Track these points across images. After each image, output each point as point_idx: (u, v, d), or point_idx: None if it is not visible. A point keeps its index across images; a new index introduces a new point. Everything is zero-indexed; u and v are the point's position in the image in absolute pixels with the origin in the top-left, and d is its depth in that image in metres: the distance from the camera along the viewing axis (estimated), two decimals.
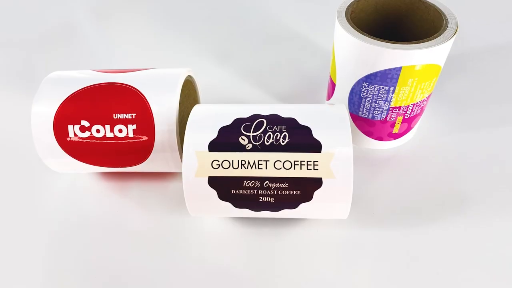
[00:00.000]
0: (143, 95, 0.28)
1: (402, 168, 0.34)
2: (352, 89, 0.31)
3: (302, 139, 0.25)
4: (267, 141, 0.25)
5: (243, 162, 0.25)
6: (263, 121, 0.26)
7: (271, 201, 0.25)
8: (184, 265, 0.28)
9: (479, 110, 0.38)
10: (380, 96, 0.30)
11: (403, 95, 0.30)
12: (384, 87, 0.30)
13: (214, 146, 0.25)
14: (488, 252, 0.28)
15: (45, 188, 0.33)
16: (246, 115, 0.26)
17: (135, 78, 0.29)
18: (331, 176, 0.24)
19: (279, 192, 0.25)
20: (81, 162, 0.30)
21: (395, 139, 0.34)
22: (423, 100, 0.32)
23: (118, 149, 0.28)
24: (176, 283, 0.27)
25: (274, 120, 0.26)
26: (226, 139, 0.25)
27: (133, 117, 0.28)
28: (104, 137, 0.28)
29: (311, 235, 0.29)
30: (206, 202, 0.26)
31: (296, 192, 0.25)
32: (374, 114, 0.32)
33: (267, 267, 0.28)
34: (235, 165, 0.25)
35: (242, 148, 0.25)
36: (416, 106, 0.32)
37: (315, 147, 0.24)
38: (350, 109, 0.33)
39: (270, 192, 0.25)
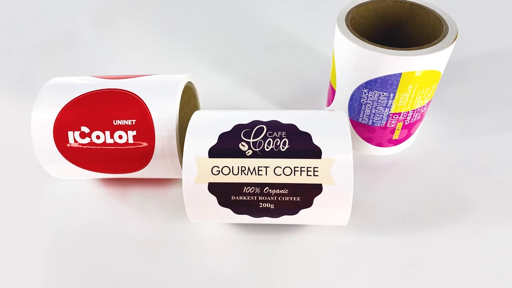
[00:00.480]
0: (143, 101, 0.28)
1: (402, 174, 0.34)
2: (352, 95, 0.31)
3: (302, 145, 0.25)
4: (267, 147, 0.25)
5: (243, 168, 0.25)
6: (263, 127, 0.26)
7: (271, 207, 0.25)
8: (184, 271, 0.28)
9: (479, 116, 0.38)
10: (380, 102, 0.30)
11: (403, 101, 0.30)
12: (384, 93, 0.30)
13: (214, 152, 0.25)
14: (488, 258, 0.28)
15: (45, 194, 0.33)
16: (246, 121, 0.26)
17: (135, 84, 0.29)
18: (331, 182, 0.24)
19: (279, 198, 0.25)
20: (81, 168, 0.29)
21: (395, 145, 0.34)
22: (423, 106, 0.32)
23: (118, 155, 0.28)
24: None
25: (274, 126, 0.26)
26: (226, 145, 0.25)
27: (133, 123, 0.28)
28: (104, 143, 0.28)
29: (311, 241, 0.29)
30: (206, 208, 0.26)
31: (296, 198, 0.25)
32: (374, 120, 0.32)
33: (267, 273, 0.27)
34: (235, 171, 0.25)
35: (242, 154, 0.25)
36: (416, 112, 0.32)
37: (315, 153, 0.24)
38: (350, 115, 0.33)
39: (270, 198, 0.25)
